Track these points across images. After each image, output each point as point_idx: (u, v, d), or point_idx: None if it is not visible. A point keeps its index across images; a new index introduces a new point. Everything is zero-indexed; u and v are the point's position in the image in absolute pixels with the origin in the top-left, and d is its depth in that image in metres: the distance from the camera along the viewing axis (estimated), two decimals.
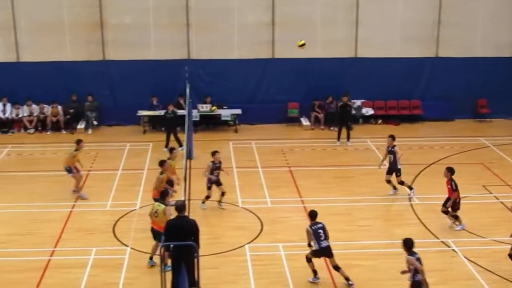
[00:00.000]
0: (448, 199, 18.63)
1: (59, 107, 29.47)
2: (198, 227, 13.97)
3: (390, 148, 21.24)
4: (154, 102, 29.26)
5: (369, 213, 20.36)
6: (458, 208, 18.72)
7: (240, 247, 17.75)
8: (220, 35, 29.74)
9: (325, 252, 15.59)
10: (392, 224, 19.56)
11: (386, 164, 21.45)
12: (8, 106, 29.50)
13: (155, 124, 29.61)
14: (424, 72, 30.92)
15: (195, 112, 27.73)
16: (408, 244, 13.92)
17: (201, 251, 13.81)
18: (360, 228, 19.12)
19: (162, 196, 16.36)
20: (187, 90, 24.77)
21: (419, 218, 19.65)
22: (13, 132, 29.27)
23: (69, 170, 21.15)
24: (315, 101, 29.58)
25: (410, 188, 21.25)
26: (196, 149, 25.33)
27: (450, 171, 18.73)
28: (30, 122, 29.39)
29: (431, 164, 24.46)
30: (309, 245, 15.71)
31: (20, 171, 23.95)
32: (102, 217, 19.94)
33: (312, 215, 15.93)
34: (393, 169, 21.13)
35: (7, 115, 29.40)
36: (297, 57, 29.35)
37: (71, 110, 29.46)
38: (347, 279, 15.66)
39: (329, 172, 23.90)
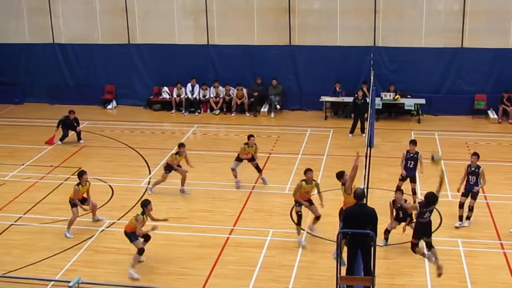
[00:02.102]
0: None
1: (244, 90, 30.16)
2: (377, 215, 13.83)
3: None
4: (337, 89, 29.25)
5: None
6: None
7: None
8: (408, 23, 29.14)
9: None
10: None
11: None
12: (196, 87, 30.58)
13: (337, 110, 29.63)
14: None
15: (377, 100, 27.40)
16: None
17: (378, 241, 13.66)
18: None
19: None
20: (371, 78, 24.55)
21: None
22: (199, 112, 30.35)
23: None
24: (505, 93, 28.30)
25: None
26: (377, 137, 25.07)
27: None
28: (216, 103, 30.31)
29: None
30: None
31: (204, 150, 24.80)
32: (280, 199, 20.24)
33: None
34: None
35: (195, 95, 30.51)
36: (487, 47, 28.36)
37: (256, 93, 30.06)
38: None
39: None
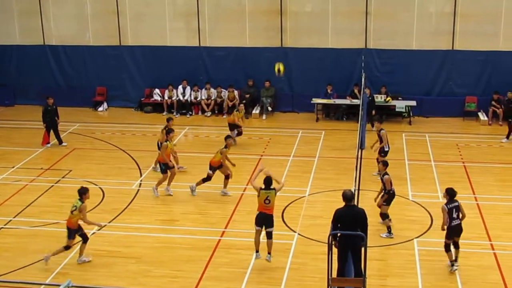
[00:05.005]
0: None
1: (236, 92, 30.16)
2: (367, 216, 13.85)
3: None
4: (329, 91, 29.28)
5: None
6: None
7: (408, 240, 17.47)
8: (399, 25, 29.20)
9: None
10: None
11: None
12: (188, 89, 30.55)
13: (328, 112, 29.69)
14: None
15: None
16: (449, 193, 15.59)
17: (369, 242, 13.66)
18: None
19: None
20: (363, 80, 24.58)
21: None
22: (191, 114, 30.30)
23: None
24: (494, 94, 28.35)
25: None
26: (368, 139, 25.05)
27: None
28: (208, 105, 30.29)
29: None
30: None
31: (196, 152, 24.75)
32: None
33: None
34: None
35: (186, 97, 30.48)
36: (478, 49, 28.48)
37: (247, 95, 30.06)
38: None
39: (506, 169, 22.93)
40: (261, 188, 16.10)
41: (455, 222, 15.56)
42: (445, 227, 15.65)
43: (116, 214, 19.33)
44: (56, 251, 16.35)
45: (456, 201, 15.66)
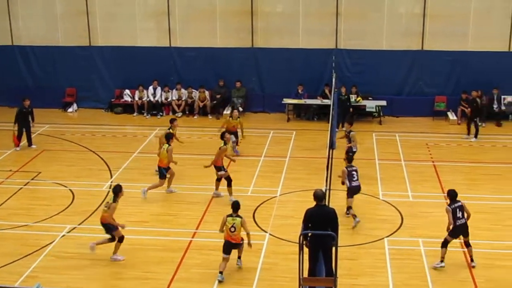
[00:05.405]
0: None
1: (207, 92, 30.11)
2: (337, 216, 13.88)
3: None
4: (300, 91, 29.35)
5: None
6: None
7: (379, 239, 17.56)
8: (370, 25, 29.35)
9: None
10: None
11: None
12: (158, 89, 30.44)
13: (299, 112, 29.75)
14: None
15: None
16: (450, 195, 16.02)
17: (340, 242, 13.70)
18: (507, 227, 18.38)
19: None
20: (333, 80, 24.67)
21: None
22: (161, 115, 30.17)
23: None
24: (463, 94, 28.62)
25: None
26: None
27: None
28: (179, 106, 30.21)
29: None
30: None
31: None
32: (243, 202, 20.00)
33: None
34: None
35: (157, 98, 30.36)
36: (447, 49, 28.72)
37: (218, 96, 30.02)
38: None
39: (475, 168, 23.16)
40: (227, 215, 15.88)
41: (460, 222, 15.88)
42: (451, 227, 15.95)
43: (87, 216, 19.15)
44: (115, 248, 16.59)
45: (459, 201, 16.03)
